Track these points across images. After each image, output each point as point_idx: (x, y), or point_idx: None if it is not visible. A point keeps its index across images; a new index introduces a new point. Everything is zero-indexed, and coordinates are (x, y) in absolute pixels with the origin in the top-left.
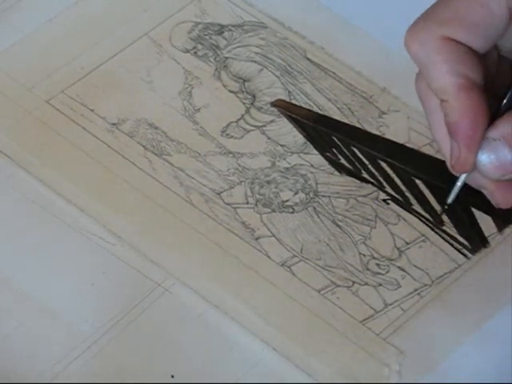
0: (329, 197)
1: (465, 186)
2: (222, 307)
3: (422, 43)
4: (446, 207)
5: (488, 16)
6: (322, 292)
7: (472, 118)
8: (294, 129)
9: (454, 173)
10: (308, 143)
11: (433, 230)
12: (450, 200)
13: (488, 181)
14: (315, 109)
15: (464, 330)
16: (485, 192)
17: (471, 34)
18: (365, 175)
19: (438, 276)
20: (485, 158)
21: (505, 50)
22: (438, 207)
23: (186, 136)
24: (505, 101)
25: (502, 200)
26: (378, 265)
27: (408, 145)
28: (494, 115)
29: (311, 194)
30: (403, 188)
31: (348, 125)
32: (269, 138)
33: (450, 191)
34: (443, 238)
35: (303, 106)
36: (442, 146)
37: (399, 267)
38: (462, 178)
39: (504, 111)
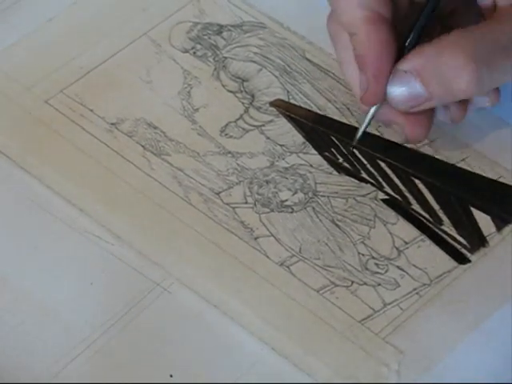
0: (328, 196)
1: (457, 181)
2: (221, 307)
3: None
4: (355, 144)
5: None
6: (320, 292)
7: (379, 49)
8: (293, 129)
9: (363, 107)
10: (307, 143)
11: (432, 229)
12: (359, 135)
13: (398, 114)
14: (314, 109)
15: (463, 329)
16: (395, 128)
17: None
18: (364, 175)
19: (436, 275)
20: (395, 89)
21: None
22: (436, 207)
23: (184, 136)
24: (411, 35)
25: (411, 134)
26: (376, 264)
27: (407, 145)
28: (402, 51)
29: (310, 194)
30: (402, 188)
31: (347, 125)
32: (268, 138)
33: (449, 191)
34: (442, 238)
35: (302, 106)
36: (351, 83)
37: (398, 267)
38: (372, 111)
39: (413, 45)
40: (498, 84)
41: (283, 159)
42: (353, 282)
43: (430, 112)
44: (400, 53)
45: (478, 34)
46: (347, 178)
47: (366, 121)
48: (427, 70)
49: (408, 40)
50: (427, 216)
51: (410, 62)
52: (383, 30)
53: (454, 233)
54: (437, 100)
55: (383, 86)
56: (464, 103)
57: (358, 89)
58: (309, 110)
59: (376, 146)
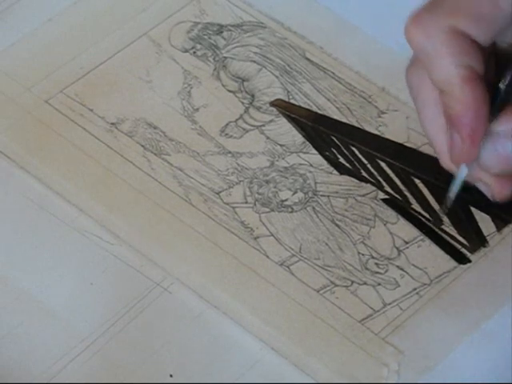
0: (328, 196)
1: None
2: (221, 307)
3: (427, 34)
4: (448, 206)
5: (495, 10)
6: (320, 292)
7: (477, 110)
8: (293, 128)
9: (448, 166)
10: (307, 143)
11: (432, 229)
12: (451, 195)
13: (486, 174)
14: (314, 108)
15: (463, 329)
16: (481, 186)
17: (478, 27)
18: (364, 175)
19: (436, 275)
20: (488, 151)
21: (499, 45)
22: (436, 206)
23: (184, 136)
24: (502, 89)
25: (498, 193)
26: (376, 264)
27: (407, 144)
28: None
29: (310, 194)
30: (402, 187)
31: (347, 124)
32: (268, 138)
33: (447, 189)
34: (442, 238)
35: (302, 105)
36: (435, 140)
37: (398, 266)
38: (464, 171)
39: (503, 104)
40: None
41: (283, 159)
42: (353, 282)
43: None
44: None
45: None
46: (347, 177)
47: (457, 182)
48: None
49: (498, 96)
50: (427, 216)
51: (503, 124)
52: (479, 89)
53: (454, 232)
54: None
55: (477, 146)
56: None
57: (442, 147)
58: (309, 110)
59: (376, 145)
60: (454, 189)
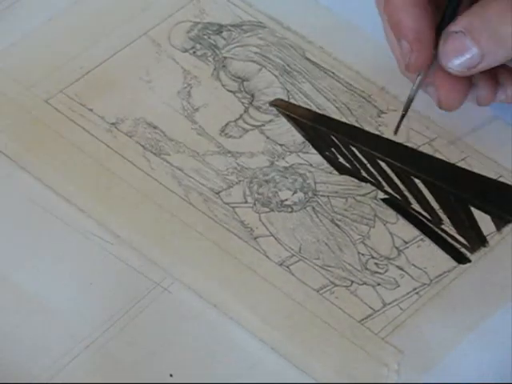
0: (327, 196)
1: (457, 180)
2: (221, 307)
3: None
4: (404, 113)
5: None
6: (320, 291)
7: (416, 12)
8: (293, 128)
9: (408, 76)
10: (307, 142)
11: (432, 229)
12: (404, 108)
13: (436, 77)
14: (314, 108)
15: (463, 329)
16: (430, 91)
17: None
18: (364, 174)
19: (436, 275)
20: (448, 53)
21: None
22: (436, 206)
23: (184, 135)
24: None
25: (445, 98)
26: (376, 264)
27: (407, 144)
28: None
29: (310, 194)
30: (402, 187)
31: (347, 124)
32: (267, 138)
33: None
34: (442, 237)
35: (302, 105)
36: (393, 52)
37: (398, 266)
38: (418, 80)
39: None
40: None
41: (283, 159)
42: (352, 282)
43: (467, 81)
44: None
45: None
46: (347, 177)
47: (415, 86)
48: (475, 26)
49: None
50: (427, 215)
51: (459, 23)
52: None
53: (453, 232)
54: (490, 57)
55: (428, 49)
56: (492, 84)
57: (399, 58)
58: (309, 110)
59: (376, 145)
60: (413, 93)
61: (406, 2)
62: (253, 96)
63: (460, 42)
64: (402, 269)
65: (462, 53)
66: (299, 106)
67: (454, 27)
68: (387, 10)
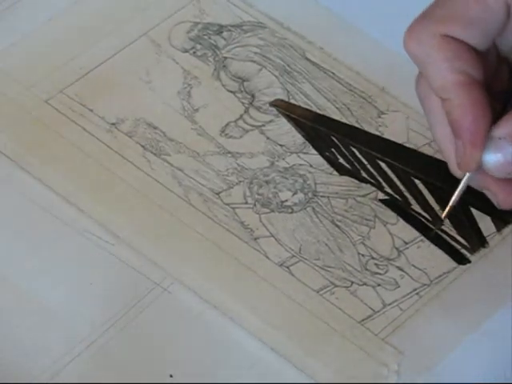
0: (328, 197)
1: (457, 181)
2: (221, 307)
3: (420, 42)
4: (448, 210)
5: (485, 11)
6: (320, 292)
7: (474, 113)
8: (293, 129)
9: (457, 174)
10: (307, 143)
11: (432, 230)
12: (452, 202)
13: (491, 181)
14: (314, 109)
15: (463, 329)
16: (487, 193)
17: (469, 30)
18: (364, 175)
19: (436, 276)
20: (490, 156)
21: (504, 49)
22: (436, 207)
23: (184, 136)
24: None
25: (504, 201)
26: (376, 265)
27: (407, 145)
28: (497, 115)
29: (310, 194)
30: (402, 188)
31: (347, 125)
32: (268, 138)
33: (449, 192)
34: (442, 238)
35: (302, 105)
36: (444, 148)
37: (398, 267)
38: (466, 178)
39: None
40: None
41: (283, 159)
42: (352, 283)
43: None
44: (494, 115)
45: None
46: (347, 178)
47: (460, 188)
48: None
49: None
50: (427, 216)
51: (504, 128)
52: (476, 93)
53: (453, 233)
54: None
55: (480, 152)
56: None
57: (451, 154)
58: (309, 110)
59: (376, 145)
60: (456, 196)
61: (465, 100)
62: (253, 96)
63: (502, 147)
64: (402, 269)
65: (504, 160)
66: (299, 107)
67: (497, 131)
68: (445, 106)
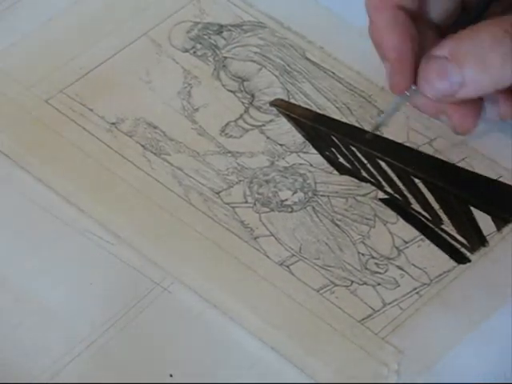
0: (328, 196)
1: (457, 180)
2: (221, 307)
3: None
4: (373, 130)
5: None
6: (320, 291)
7: (396, 34)
8: (293, 128)
9: (394, 95)
10: (307, 142)
11: (432, 229)
12: (382, 119)
13: (447, 105)
14: (314, 108)
15: (463, 329)
16: (443, 119)
17: None
18: (364, 174)
19: (436, 275)
20: (429, 77)
21: None
22: (436, 206)
23: (184, 135)
24: None
25: (460, 125)
26: (376, 264)
27: (407, 144)
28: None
29: (310, 194)
30: (402, 187)
31: (347, 124)
32: (268, 138)
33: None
34: (442, 237)
35: (302, 105)
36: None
37: (398, 266)
38: (396, 99)
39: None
40: None
41: (283, 159)
42: (352, 282)
43: (478, 103)
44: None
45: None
46: (347, 177)
47: (390, 109)
48: (461, 52)
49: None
50: (427, 215)
51: (443, 47)
52: (401, 18)
53: (453, 232)
54: (473, 85)
55: (410, 71)
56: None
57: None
58: (309, 110)
59: (376, 145)
60: (385, 114)
61: (389, 22)
62: (253, 96)
63: (442, 67)
64: (402, 269)
65: (443, 79)
66: (299, 106)
67: (438, 51)
68: (371, 30)
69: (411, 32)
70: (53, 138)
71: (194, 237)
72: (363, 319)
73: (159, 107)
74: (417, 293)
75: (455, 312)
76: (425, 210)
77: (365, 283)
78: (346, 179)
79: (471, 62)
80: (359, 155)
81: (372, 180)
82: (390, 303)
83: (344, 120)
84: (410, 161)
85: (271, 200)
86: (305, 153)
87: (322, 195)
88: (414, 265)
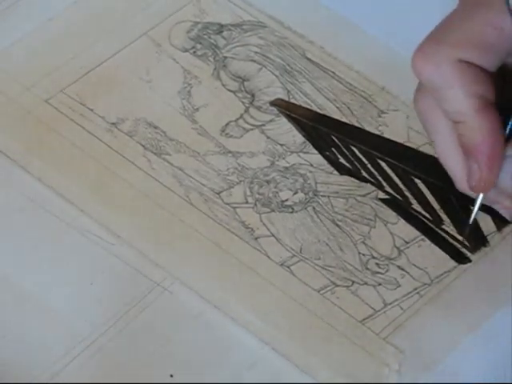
0: (328, 196)
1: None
2: (221, 307)
3: (436, 66)
4: (467, 233)
5: (500, 36)
6: (321, 292)
7: (493, 138)
8: (294, 128)
9: (464, 190)
10: (307, 142)
11: (432, 229)
12: (471, 221)
13: (504, 196)
14: (314, 108)
15: (463, 329)
16: (499, 207)
17: (486, 56)
18: (364, 175)
19: (437, 275)
20: (505, 175)
21: (509, 66)
22: (437, 206)
23: (185, 135)
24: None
25: None
26: (377, 264)
27: (407, 144)
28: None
29: (310, 194)
30: (402, 187)
31: (347, 124)
32: (268, 138)
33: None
34: (443, 237)
35: (302, 105)
36: (449, 165)
37: (398, 266)
38: (481, 197)
39: None
40: None
41: (283, 159)
42: (353, 282)
43: None
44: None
45: None
46: (347, 177)
47: (476, 207)
48: None
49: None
50: (428, 215)
51: None
52: (493, 117)
53: (454, 232)
54: None
55: (496, 176)
56: None
57: (460, 174)
58: (309, 110)
59: (376, 145)
60: (473, 215)
61: (482, 125)
62: (253, 96)
63: None
64: (402, 269)
65: None
66: (300, 106)
67: (510, 150)
68: (460, 128)
69: (501, 128)
70: (53, 137)
71: (194, 237)
72: (364, 319)
73: (159, 107)
74: (417, 293)
75: (456, 312)
76: (425, 210)
77: (365, 283)
78: (347, 179)
79: None
80: (359, 155)
81: (372, 180)
82: (390, 303)
83: (344, 120)
84: (410, 161)
85: (272, 200)
86: (305, 153)
87: (322, 195)
88: (414, 265)
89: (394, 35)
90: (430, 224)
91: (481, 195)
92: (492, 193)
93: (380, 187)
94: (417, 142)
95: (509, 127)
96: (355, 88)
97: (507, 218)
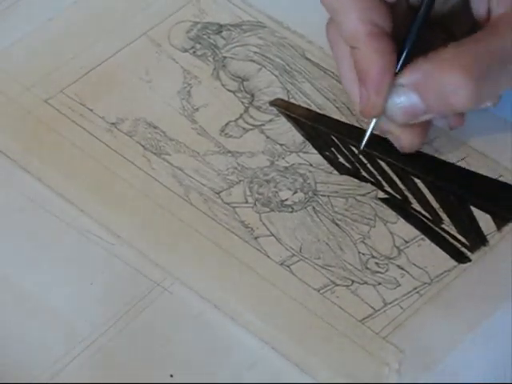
0: (328, 196)
1: (457, 180)
2: (221, 307)
3: None
4: (360, 152)
5: None
6: (321, 291)
7: (381, 64)
8: (293, 128)
9: (361, 118)
10: (307, 142)
11: (432, 228)
12: (362, 146)
13: (394, 125)
14: (314, 108)
15: (463, 328)
16: (390, 137)
17: None
18: (364, 174)
19: (437, 274)
20: (394, 103)
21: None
22: (436, 205)
23: (184, 135)
24: (407, 44)
25: (406, 144)
26: (377, 264)
27: None
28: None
29: (310, 193)
30: (402, 187)
31: (347, 124)
32: (268, 137)
33: (447, 189)
34: (442, 237)
35: (302, 105)
36: (350, 92)
37: (398, 266)
38: (373, 123)
39: (410, 57)
40: (497, 94)
41: (283, 158)
42: (353, 282)
43: (426, 122)
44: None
45: (474, 49)
46: (347, 177)
47: (368, 132)
48: (425, 85)
49: (405, 52)
50: (427, 215)
51: (408, 77)
52: (385, 44)
53: (454, 232)
54: (434, 113)
55: (383, 100)
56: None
57: (357, 99)
58: (309, 110)
59: (376, 145)
60: (364, 140)
61: (372, 51)
62: (253, 96)
63: (406, 95)
64: (402, 268)
65: (407, 106)
66: (299, 106)
67: (402, 80)
68: (354, 54)
69: (392, 57)
70: (53, 137)
71: (194, 237)
72: (364, 319)
73: (159, 107)
74: (417, 292)
75: (456, 311)
76: (425, 210)
77: (365, 283)
78: (346, 179)
79: (434, 98)
80: (359, 155)
81: (372, 180)
82: (390, 303)
83: (344, 120)
84: (409, 160)
85: (271, 200)
86: (305, 153)
87: (322, 195)
88: (414, 264)
89: None
90: (429, 223)
91: (373, 121)
92: (384, 122)
93: (380, 187)
94: None
95: (402, 57)
96: None
97: (398, 148)
